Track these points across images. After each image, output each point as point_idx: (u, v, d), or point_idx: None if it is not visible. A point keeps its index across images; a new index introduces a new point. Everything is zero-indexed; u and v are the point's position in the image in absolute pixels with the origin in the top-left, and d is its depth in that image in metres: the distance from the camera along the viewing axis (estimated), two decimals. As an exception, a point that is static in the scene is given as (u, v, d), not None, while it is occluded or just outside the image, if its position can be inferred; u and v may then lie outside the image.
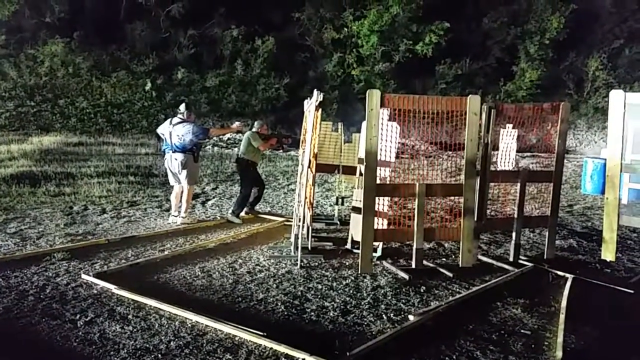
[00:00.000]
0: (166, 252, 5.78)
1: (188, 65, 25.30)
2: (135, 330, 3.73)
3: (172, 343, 3.54)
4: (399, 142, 5.68)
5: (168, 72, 24.76)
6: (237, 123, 7.95)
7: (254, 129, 7.90)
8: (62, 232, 6.60)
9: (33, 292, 4.47)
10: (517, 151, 6.55)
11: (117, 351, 3.41)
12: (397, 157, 5.65)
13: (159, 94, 23.52)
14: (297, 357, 3.32)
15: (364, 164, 5.19)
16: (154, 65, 24.81)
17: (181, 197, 7.36)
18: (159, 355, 3.36)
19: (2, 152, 13.30)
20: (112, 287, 4.51)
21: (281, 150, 9.06)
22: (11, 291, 4.48)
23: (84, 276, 4.86)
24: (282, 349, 3.41)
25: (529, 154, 14.05)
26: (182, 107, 7.41)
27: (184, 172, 7.14)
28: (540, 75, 26.84)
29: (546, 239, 5.91)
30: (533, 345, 3.68)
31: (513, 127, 6.38)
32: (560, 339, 3.70)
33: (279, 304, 4.35)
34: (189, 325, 3.82)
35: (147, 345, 3.50)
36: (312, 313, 4.18)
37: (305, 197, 5.88)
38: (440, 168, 6.15)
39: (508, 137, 6.47)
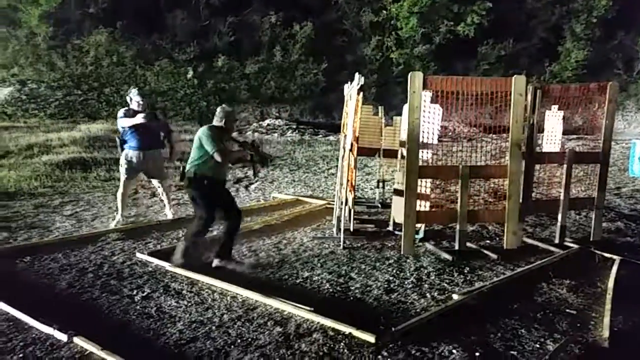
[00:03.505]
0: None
1: (228, 52, 25.65)
2: (189, 304, 3.94)
3: (225, 316, 3.73)
4: (441, 125, 5.68)
5: (209, 59, 25.17)
6: (141, 115, 6.06)
7: (214, 122, 4.95)
8: (115, 215, 6.91)
9: (92, 270, 4.74)
10: (563, 133, 6.43)
11: (174, 323, 3.62)
12: (440, 141, 5.63)
13: (200, 82, 23.95)
14: (344, 331, 3.44)
15: (406, 146, 5.23)
16: (195, 53, 25.28)
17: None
18: (213, 327, 3.55)
19: (54, 140, 13.86)
20: (166, 265, 4.73)
21: (253, 177, 6.40)
22: (72, 268, 4.76)
23: (138, 254, 5.12)
24: (329, 323, 3.53)
25: (574, 136, 13.70)
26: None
27: None
28: (586, 56, 25.97)
29: (592, 221, 5.81)
30: (579, 325, 3.68)
31: (559, 109, 6.27)
32: (607, 319, 3.68)
33: (324, 282, 4.49)
34: (240, 300, 4.00)
35: (202, 318, 3.69)
36: (357, 291, 4.29)
37: (347, 180, 5.96)
38: (484, 151, 6.10)
39: (554, 119, 6.36)
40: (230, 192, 5.32)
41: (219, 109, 4.96)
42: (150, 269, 4.77)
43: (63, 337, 3.28)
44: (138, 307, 3.92)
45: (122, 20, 25.30)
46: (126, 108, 6.29)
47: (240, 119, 21.83)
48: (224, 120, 4.87)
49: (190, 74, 24.10)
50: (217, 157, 4.61)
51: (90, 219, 6.74)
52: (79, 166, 10.54)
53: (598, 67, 26.07)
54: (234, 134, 5.44)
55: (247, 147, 5.12)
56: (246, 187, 9.34)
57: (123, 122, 6.19)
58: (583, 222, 6.72)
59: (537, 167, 5.98)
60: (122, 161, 6.34)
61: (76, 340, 3.25)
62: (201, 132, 4.75)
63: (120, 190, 6.45)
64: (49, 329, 3.37)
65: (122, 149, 6.34)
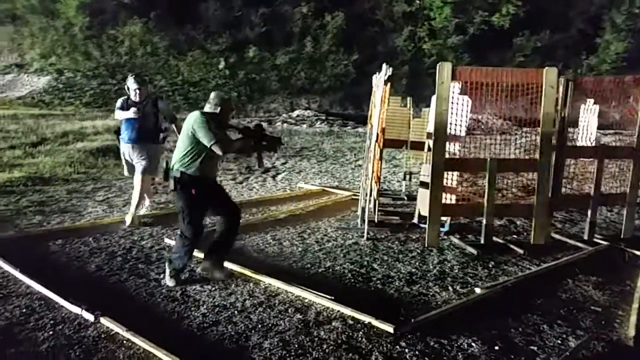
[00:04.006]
0: (240, 221, 6.06)
1: (259, 43, 25.81)
2: (213, 289, 4.02)
3: (247, 302, 3.79)
4: (471, 118, 5.61)
5: (240, 50, 25.39)
6: (133, 109, 5.62)
7: (207, 108, 4.10)
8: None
9: (121, 254, 4.87)
10: (600, 128, 6.26)
11: (198, 307, 3.70)
12: (469, 134, 5.54)
13: (231, 72, 24.21)
14: (363, 320, 3.46)
15: (433, 137, 5.19)
16: (227, 44, 25.53)
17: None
18: (235, 312, 3.62)
19: (88, 127, 14.23)
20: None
21: (258, 167, 5.36)
22: (101, 252, 4.90)
23: (166, 240, 5.24)
24: (348, 312, 3.56)
25: (612, 131, 13.33)
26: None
27: None
28: (626, 47, 25.07)
29: (624, 217, 5.67)
30: (603, 322, 3.62)
31: (594, 103, 6.10)
32: (633, 317, 3.60)
33: (346, 271, 4.51)
34: (262, 287, 4.06)
35: (225, 303, 3.77)
36: (378, 282, 4.31)
37: (373, 172, 5.95)
38: (515, 145, 6.01)
39: (589, 113, 6.20)
40: (222, 187, 4.56)
41: (213, 94, 4.14)
42: (177, 254, 4.86)
43: (90, 317, 3.40)
44: (164, 290, 4.02)
45: (156, 11, 25.70)
46: (124, 97, 5.83)
47: (270, 109, 21.99)
48: (219, 108, 4.01)
49: (222, 65, 24.41)
50: (218, 150, 3.84)
51: (121, 204, 6.91)
52: (112, 153, 10.77)
53: (638, 59, 25.16)
54: (234, 122, 4.31)
55: (251, 134, 4.18)
56: (273, 177, 9.41)
57: (117, 115, 5.84)
58: (615, 219, 6.55)
59: (571, 162, 5.87)
60: (121, 155, 6.05)
61: (102, 320, 3.36)
62: (194, 119, 3.87)
63: (137, 188, 6.04)
64: (78, 309, 3.49)
65: (119, 141, 5.98)
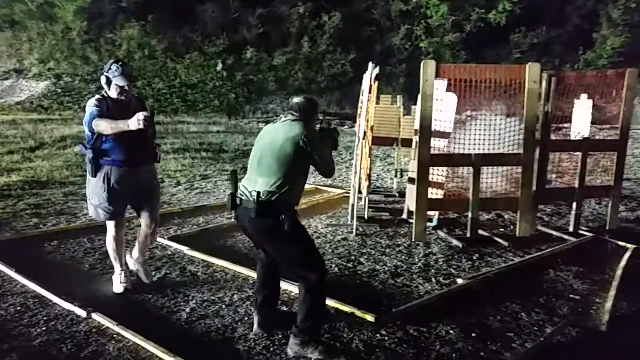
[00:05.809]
0: (233, 220, 6.17)
1: (257, 44, 25.89)
2: (203, 285, 4.14)
3: (235, 296, 3.92)
4: (468, 116, 5.72)
5: (238, 52, 25.49)
6: (141, 115, 3.35)
7: (296, 117, 3.04)
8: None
9: (115, 253, 4.98)
10: (598, 123, 6.34)
11: (187, 302, 3.83)
12: (468, 130, 5.62)
13: (229, 74, 24.33)
14: (346, 311, 3.58)
15: (418, 134, 5.30)
16: (225, 46, 25.62)
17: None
18: (223, 306, 3.75)
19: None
20: (185, 249, 4.96)
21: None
22: (96, 252, 5.01)
23: (159, 239, 5.35)
24: (332, 303, 3.67)
25: (608, 126, 13.40)
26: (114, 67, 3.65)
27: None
28: (623, 42, 25.07)
29: (609, 210, 5.77)
30: (580, 310, 3.73)
31: (589, 97, 6.17)
32: (608, 304, 3.72)
33: (333, 266, 4.63)
34: (251, 282, 4.18)
35: (213, 298, 3.90)
36: (364, 275, 4.43)
37: (361, 168, 6.06)
38: (511, 141, 6.10)
39: (583, 108, 6.27)
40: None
41: (300, 100, 3.09)
42: (170, 252, 4.99)
43: (83, 314, 3.53)
44: (155, 287, 4.13)
45: (153, 14, 25.81)
46: (99, 96, 3.69)
47: (268, 110, 22.11)
48: (316, 117, 3.16)
49: (219, 67, 24.53)
50: (329, 175, 3.12)
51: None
52: (110, 156, 10.89)
53: (636, 54, 25.18)
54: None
55: (328, 136, 3.22)
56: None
57: (100, 127, 3.53)
58: (602, 212, 6.65)
59: (558, 156, 5.97)
60: (97, 188, 3.80)
61: (94, 316, 3.49)
62: (302, 134, 2.87)
63: (112, 234, 4.14)
64: (71, 306, 3.62)
65: (98, 167, 3.72)
